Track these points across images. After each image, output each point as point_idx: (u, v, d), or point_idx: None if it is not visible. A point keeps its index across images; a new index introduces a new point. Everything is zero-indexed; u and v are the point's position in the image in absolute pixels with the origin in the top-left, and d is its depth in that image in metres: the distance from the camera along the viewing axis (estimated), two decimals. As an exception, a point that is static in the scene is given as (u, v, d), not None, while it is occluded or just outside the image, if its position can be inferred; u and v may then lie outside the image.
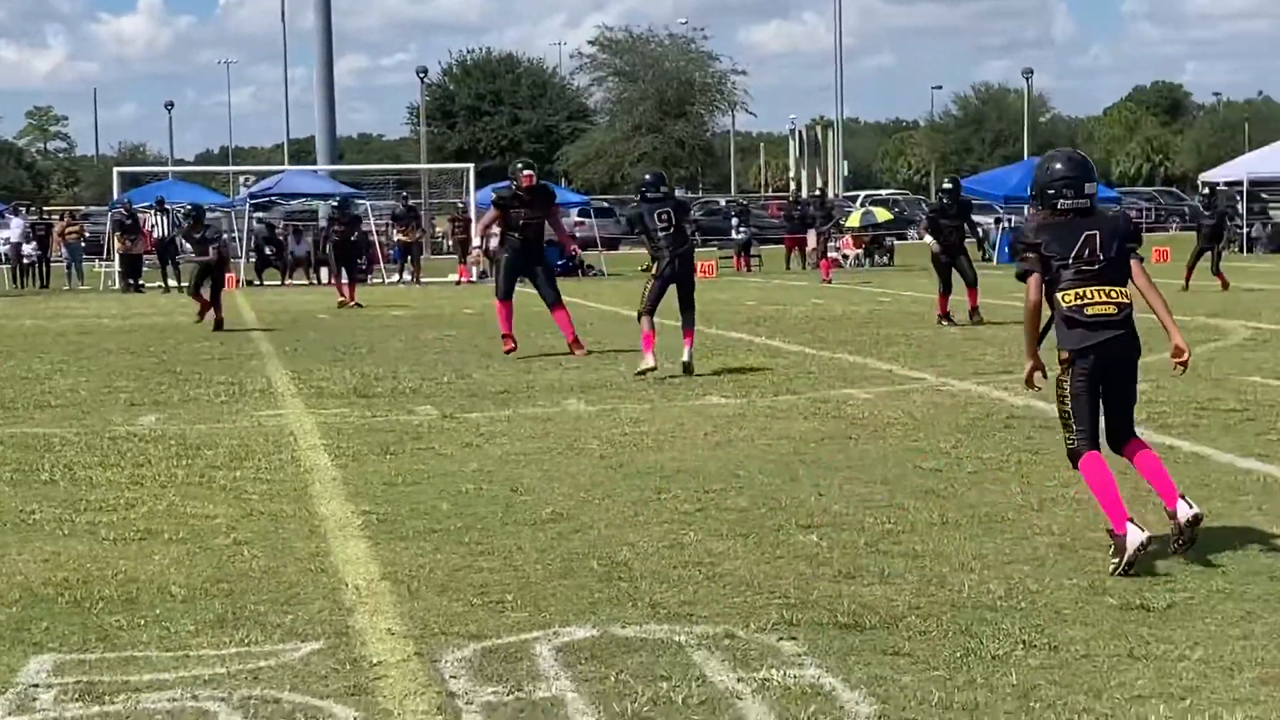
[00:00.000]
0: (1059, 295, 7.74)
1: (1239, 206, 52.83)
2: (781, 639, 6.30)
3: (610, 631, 6.46)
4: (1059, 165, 7.89)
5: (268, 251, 44.99)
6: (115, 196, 46.72)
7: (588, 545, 8.11)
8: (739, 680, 5.78)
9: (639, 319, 16.00)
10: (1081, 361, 7.72)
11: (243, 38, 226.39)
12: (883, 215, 53.83)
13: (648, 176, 16.57)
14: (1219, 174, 55.31)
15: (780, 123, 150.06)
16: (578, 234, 52.87)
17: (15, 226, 43.51)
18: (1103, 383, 7.79)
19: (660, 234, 15.96)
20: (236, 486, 9.95)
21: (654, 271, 16.32)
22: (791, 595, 6.97)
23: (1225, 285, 27.18)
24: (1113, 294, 7.67)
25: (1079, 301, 7.68)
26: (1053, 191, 7.77)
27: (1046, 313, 7.94)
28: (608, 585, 7.25)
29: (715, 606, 6.84)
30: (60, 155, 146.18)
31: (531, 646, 6.28)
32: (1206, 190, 32.12)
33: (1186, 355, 7.88)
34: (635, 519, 8.75)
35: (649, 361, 15.63)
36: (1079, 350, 7.72)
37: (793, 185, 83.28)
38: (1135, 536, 7.18)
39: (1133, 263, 7.79)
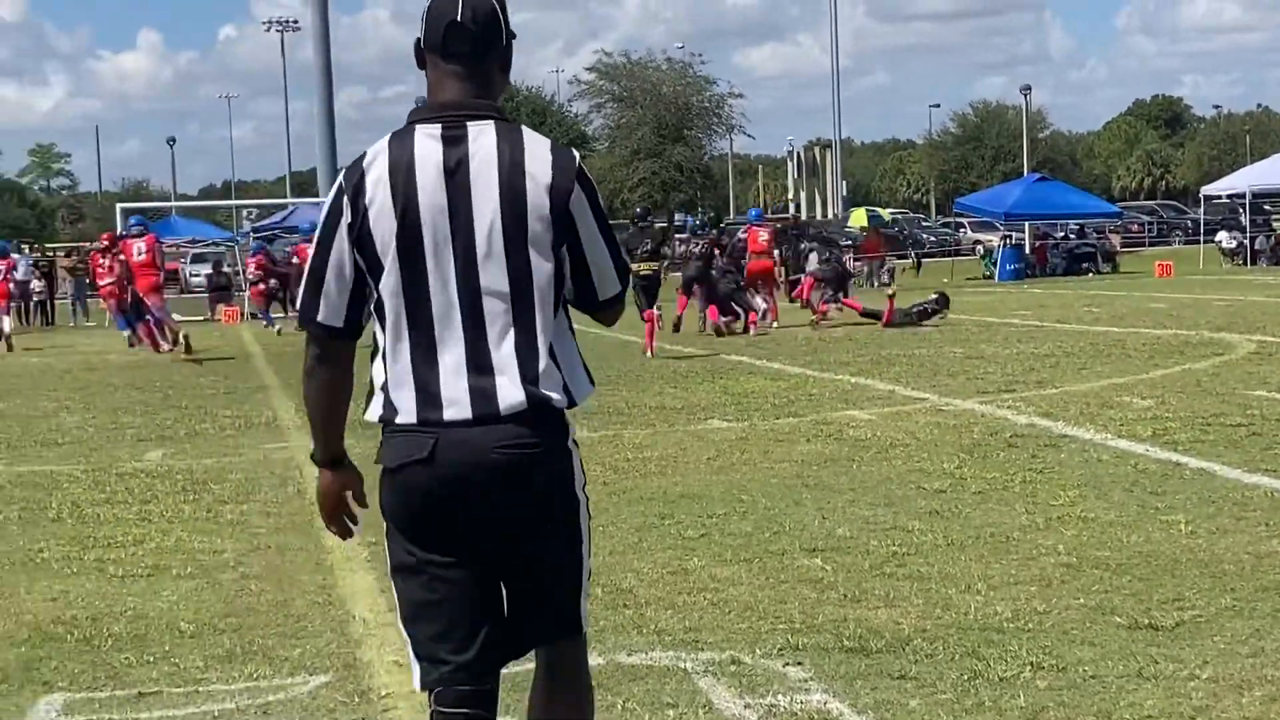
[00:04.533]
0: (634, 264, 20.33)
1: (1241, 219, 52.82)
2: (787, 664, 6.32)
3: (616, 659, 6.49)
4: (639, 210, 24.63)
5: (272, 284, 44.93)
6: (119, 233, 46.78)
7: (592, 573, 8.10)
8: (745, 706, 5.80)
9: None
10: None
11: (243, 72, 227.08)
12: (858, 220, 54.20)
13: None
14: (1221, 187, 55.31)
15: (777, 144, 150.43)
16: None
17: (20, 264, 43.54)
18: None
19: None
20: (244, 520, 9.97)
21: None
22: (797, 620, 6.98)
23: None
24: (651, 264, 23.16)
25: (640, 269, 21.99)
26: (638, 216, 23.66)
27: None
28: (613, 612, 7.27)
29: (720, 632, 6.86)
30: (63, 192, 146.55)
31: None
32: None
33: None
34: (639, 545, 8.77)
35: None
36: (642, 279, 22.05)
37: (791, 207, 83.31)
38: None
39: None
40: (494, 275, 3.84)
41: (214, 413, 16.62)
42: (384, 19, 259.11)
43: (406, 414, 3.90)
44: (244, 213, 74.31)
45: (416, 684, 4.06)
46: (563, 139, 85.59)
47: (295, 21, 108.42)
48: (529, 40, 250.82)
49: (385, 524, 4.02)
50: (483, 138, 3.86)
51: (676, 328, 26.90)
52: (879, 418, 13.94)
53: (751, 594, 7.51)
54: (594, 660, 6.41)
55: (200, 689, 6.31)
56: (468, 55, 3.94)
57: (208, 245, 61.38)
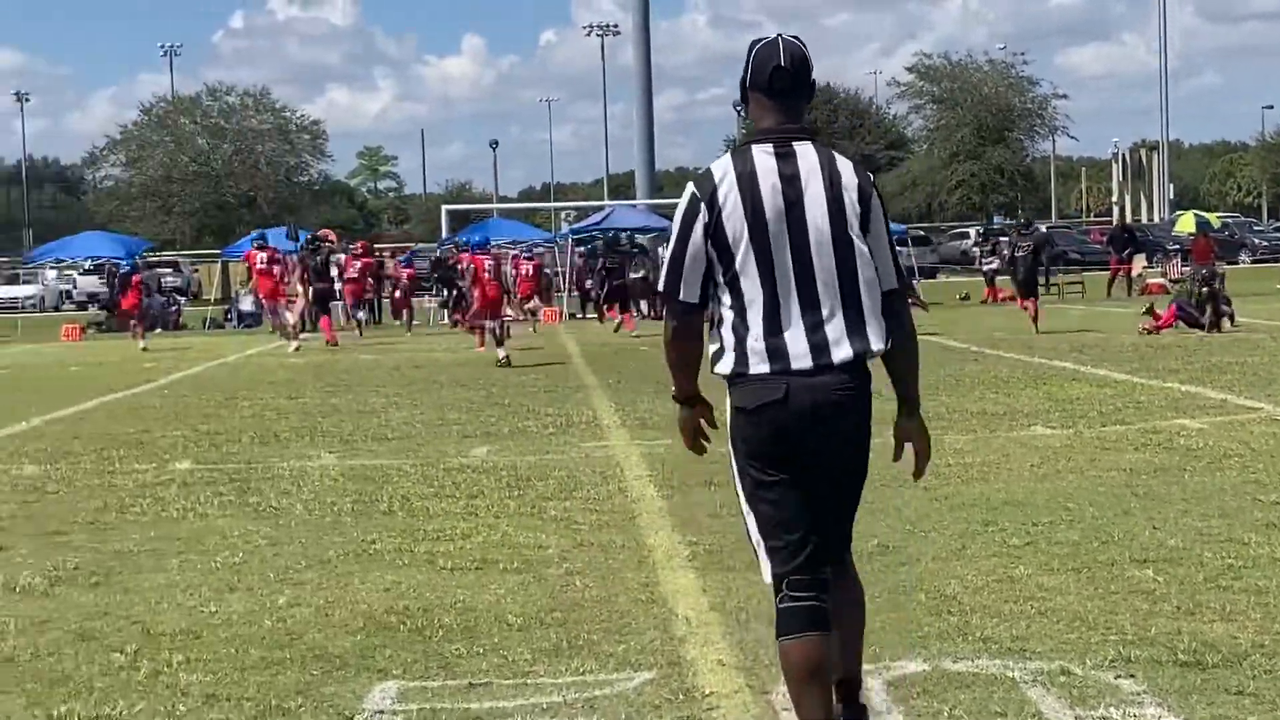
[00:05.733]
0: None
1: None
2: (1119, 676, 6.17)
3: (941, 666, 6.42)
4: None
5: (588, 285, 45.55)
6: (444, 234, 48.04)
7: (915, 578, 8.05)
8: (1076, 718, 5.69)
9: None
10: None
11: (564, 76, 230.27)
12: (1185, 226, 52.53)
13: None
14: None
15: (1101, 146, 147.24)
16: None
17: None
18: None
19: None
20: (567, 517, 10.12)
21: None
22: (1128, 632, 6.81)
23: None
24: None
25: None
26: None
27: None
28: (937, 619, 7.19)
29: (1049, 642, 6.73)
30: (389, 194, 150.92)
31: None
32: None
33: None
34: (963, 552, 8.66)
35: None
36: None
37: (1115, 210, 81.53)
38: None
39: None
40: (823, 258, 5.01)
41: (536, 411, 16.91)
42: (701, 23, 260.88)
43: (759, 366, 5.02)
44: (563, 215, 75.56)
45: (766, 577, 5.21)
46: (881, 141, 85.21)
47: (615, 26, 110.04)
48: (845, 42, 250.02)
49: (735, 456, 5.18)
50: (806, 153, 5.06)
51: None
52: (1211, 427, 13.53)
53: (1080, 604, 7.36)
54: (919, 666, 6.39)
55: (528, 681, 6.41)
56: (787, 92, 5.12)
57: (528, 247, 62.60)
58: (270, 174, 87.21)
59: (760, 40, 5.15)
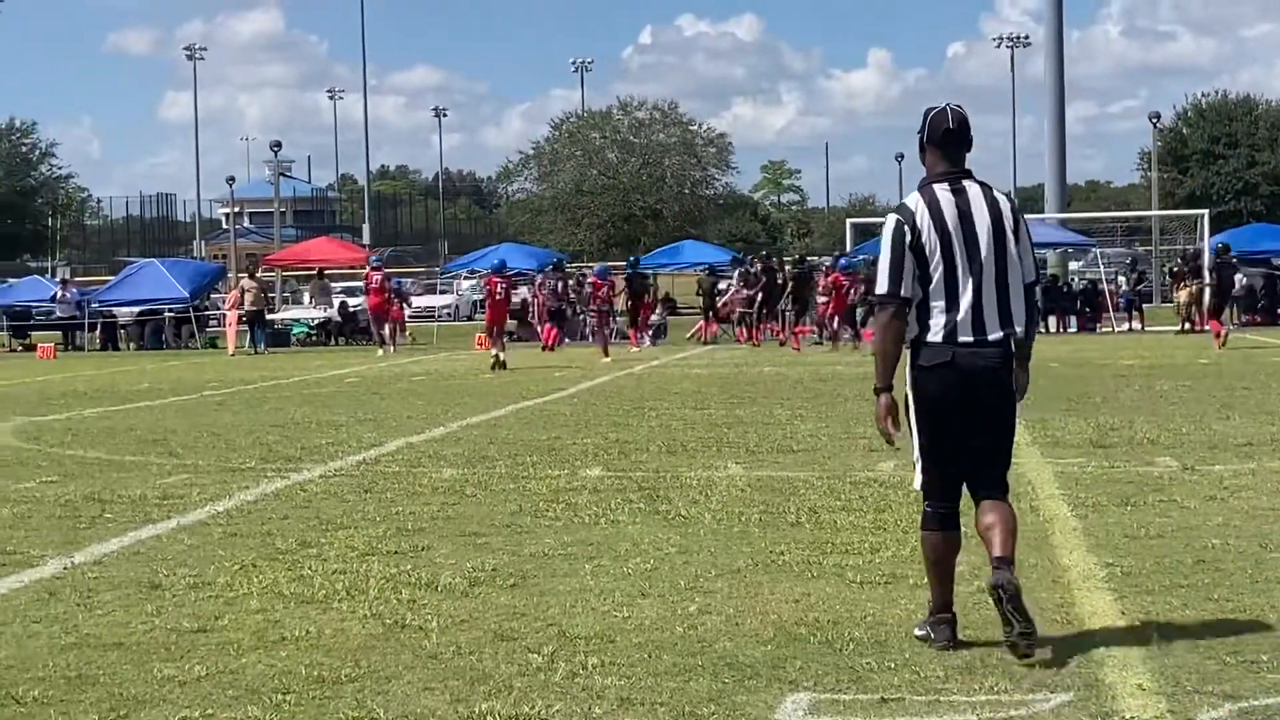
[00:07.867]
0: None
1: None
2: None
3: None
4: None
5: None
6: (848, 247, 48.03)
7: (1350, 608, 7.67)
8: None
9: None
10: None
11: (971, 88, 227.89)
12: None
13: None
14: None
15: None
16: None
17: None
18: None
19: None
20: (978, 534, 9.93)
21: None
22: None
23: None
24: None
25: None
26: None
27: None
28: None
29: None
30: (792, 207, 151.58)
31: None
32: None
33: None
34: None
35: None
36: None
37: None
38: None
39: None
40: (988, 264, 6.98)
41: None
42: (1115, 34, 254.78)
43: (935, 336, 6.99)
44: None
45: (916, 485, 7.27)
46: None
47: (1026, 37, 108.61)
48: (1267, 52, 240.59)
49: (912, 401, 7.07)
50: (972, 189, 7.09)
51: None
52: None
53: None
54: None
55: (941, 698, 6.32)
56: (954, 146, 7.15)
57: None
58: (675, 187, 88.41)
59: (933, 108, 7.18)
